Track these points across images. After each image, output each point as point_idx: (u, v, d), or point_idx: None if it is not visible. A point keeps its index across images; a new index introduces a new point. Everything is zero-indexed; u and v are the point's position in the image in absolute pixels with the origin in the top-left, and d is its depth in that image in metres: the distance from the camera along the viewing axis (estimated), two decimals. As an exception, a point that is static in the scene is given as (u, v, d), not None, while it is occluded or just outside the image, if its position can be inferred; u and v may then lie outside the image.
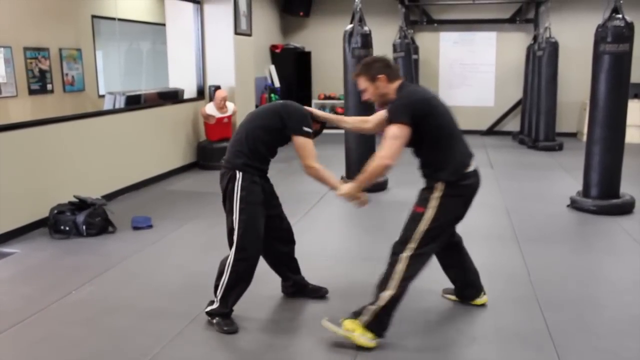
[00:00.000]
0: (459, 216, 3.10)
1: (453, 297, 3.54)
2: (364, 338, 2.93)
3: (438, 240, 3.02)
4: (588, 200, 5.57)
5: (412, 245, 2.94)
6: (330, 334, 3.15)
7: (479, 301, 3.47)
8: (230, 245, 3.14)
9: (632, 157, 7.54)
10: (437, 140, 2.97)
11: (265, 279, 3.53)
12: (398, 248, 2.98)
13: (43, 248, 4.61)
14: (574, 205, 5.67)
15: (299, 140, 3.11)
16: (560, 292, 3.70)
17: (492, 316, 3.40)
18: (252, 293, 3.31)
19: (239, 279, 3.13)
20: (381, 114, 3.22)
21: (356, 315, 2.98)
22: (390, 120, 2.91)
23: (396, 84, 3.02)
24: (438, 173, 2.98)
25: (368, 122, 3.45)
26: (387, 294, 2.91)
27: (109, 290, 3.78)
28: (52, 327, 3.27)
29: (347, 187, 3.14)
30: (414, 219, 2.99)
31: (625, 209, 5.49)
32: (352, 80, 3.16)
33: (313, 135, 3.20)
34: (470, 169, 3.02)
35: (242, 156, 3.10)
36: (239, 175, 3.08)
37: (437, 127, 2.96)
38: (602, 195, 5.54)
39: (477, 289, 3.47)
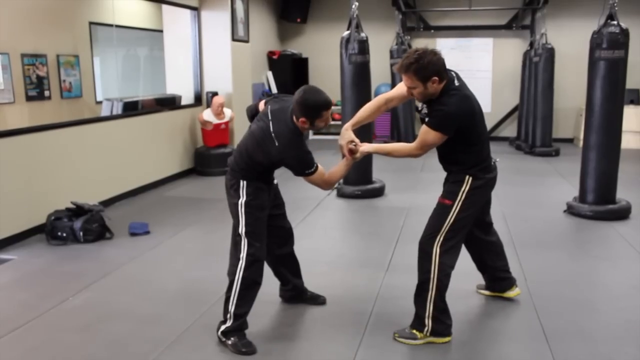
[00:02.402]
0: (481, 208, 3.25)
1: (487, 292, 3.69)
2: (438, 339, 3.09)
3: (464, 231, 3.12)
4: (584, 206, 5.59)
5: (441, 238, 3.02)
6: (328, 341, 3.16)
7: (511, 294, 3.62)
8: (236, 252, 3.07)
9: (628, 163, 7.57)
10: (472, 145, 3.05)
11: (263, 284, 3.53)
12: (427, 244, 3.06)
13: (40, 254, 4.61)
14: (571, 210, 5.69)
15: (308, 180, 3.06)
16: (556, 297, 3.71)
17: (488, 320, 3.41)
18: (249, 299, 3.30)
19: (253, 283, 3.06)
20: (402, 88, 3.13)
21: (416, 326, 3.11)
22: (433, 125, 2.91)
23: (444, 83, 2.93)
24: (467, 169, 3.05)
25: (392, 100, 3.26)
26: (432, 295, 3.03)
27: (106, 297, 3.78)
28: (49, 333, 3.27)
29: (358, 142, 3.15)
30: (442, 211, 3.07)
31: (622, 214, 5.51)
32: (396, 71, 3.04)
33: (307, 130, 3.04)
34: (494, 163, 3.18)
35: (243, 169, 3.07)
36: (243, 183, 3.05)
37: (476, 135, 3.04)
38: (598, 201, 5.55)
39: (509, 281, 3.62)
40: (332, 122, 11.96)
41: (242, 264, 3.04)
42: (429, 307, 3.05)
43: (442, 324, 3.09)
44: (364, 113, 3.27)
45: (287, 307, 3.57)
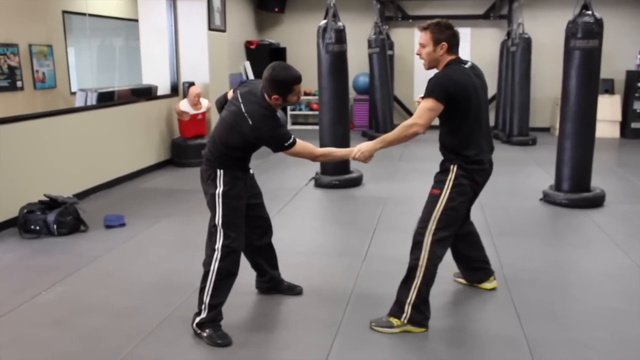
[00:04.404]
0: (470, 200, 3.22)
1: (463, 281, 3.73)
2: (415, 328, 3.10)
3: (456, 222, 3.12)
4: (560, 194, 5.65)
5: (432, 227, 3.04)
6: (305, 331, 3.15)
7: (487, 285, 3.64)
8: (212, 243, 3.04)
9: (602, 152, 7.67)
10: (460, 126, 3.04)
11: (239, 275, 3.50)
12: (419, 233, 3.08)
13: (12, 248, 4.53)
14: (547, 199, 5.74)
15: (289, 153, 3.02)
16: (531, 283, 3.74)
17: (464, 308, 3.42)
18: (225, 291, 3.28)
19: (228, 274, 3.04)
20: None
21: (395, 313, 3.11)
22: (426, 92, 2.98)
23: (451, 57, 3.07)
24: (453, 156, 3.07)
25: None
26: (417, 283, 3.04)
27: (80, 290, 3.73)
28: (21, 329, 3.21)
29: (365, 146, 3.19)
30: (432, 200, 3.09)
31: (596, 202, 5.58)
32: (420, 33, 3.12)
33: (280, 106, 3.02)
34: (487, 157, 3.17)
35: (219, 158, 3.04)
36: (219, 172, 3.02)
37: (464, 113, 3.02)
38: (573, 189, 5.61)
39: (485, 272, 3.65)
40: (310, 112, 11.94)
41: (217, 255, 3.01)
42: (412, 294, 3.05)
43: (421, 314, 3.09)
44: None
45: (263, 298, 3.55)
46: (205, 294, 3.02)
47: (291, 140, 2.98)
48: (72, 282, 3.86)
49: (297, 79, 2.97)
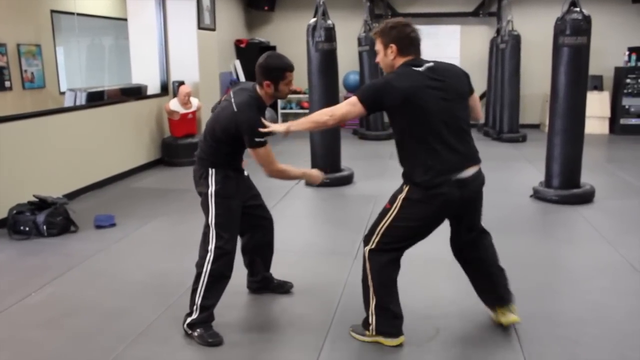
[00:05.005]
0: (428, 224, 2.83)
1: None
2: (386, 340, 2.92)
3: (403, 240, 2.85)
4: (550, 191, 5.68)
5: (375, 239, 2.86)
6: (296, 331, 3.15)
7: (504, 318, 3.07)
8: (205, 244, 3.03)
9: (592, 148, 7.72)
10: (409, 139, 2.74)
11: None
12: (365, 240, 2.94)
13: (1, 250, 4.49)
14: (537, 195, 5.77)
15: (254, 153, 2.97)
16: (522, 281, 3.74)
17: (455, 305, 3.43)
18: (216, 290, 3.27)
19: (221, 276, 3.02)
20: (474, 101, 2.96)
21: (364, 323, 2.97)
22: (357, 91, 2.78)
23: (404, 59, 2.76)
24: (407, 173, 2.79)
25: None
26: (371, 293, 2.89)
27: (70, 291, 3.71)
28: (11, 330, 3.19)
29: (316, 171, 3.30)
30: (381, 213, 2.88)
31: (586, 198, 5.61)
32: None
33: (272, 97, 3.04)
34: (449, 178, 2.69)
35: (210, 155, 3.06)
36: (211, 171, 3.03)
37: (410, 125, 2.69)
38: (563, 185, 5.65)
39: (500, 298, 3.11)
40: (301, 111, 11.96)
41: (210, 256, 3.00)
42: (372, 305, 2.90)
43: (387, 325, 2.91)
44: None
45: (254, 298, 3.55)
46: (197, 295, 3.01)
47: (263, 140, 2.93)
48: (62, 282, 3.83)
49: (290, 66, 3.01)
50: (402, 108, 2.66)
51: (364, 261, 2.91)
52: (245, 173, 3.27)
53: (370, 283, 2.89)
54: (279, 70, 2.98)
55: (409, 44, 2.76)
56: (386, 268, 2.88)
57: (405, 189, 2.78)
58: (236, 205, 3.10)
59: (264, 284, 3.57)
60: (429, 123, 2.67)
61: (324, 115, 2.79)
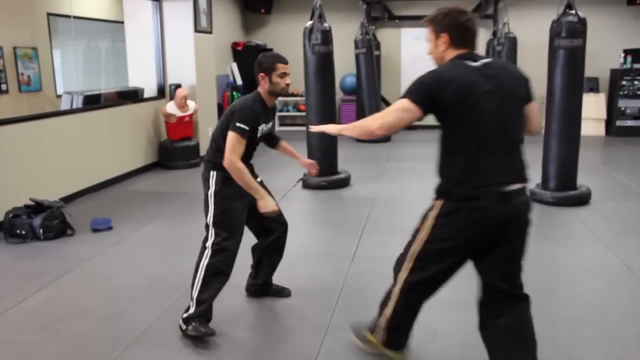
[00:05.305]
0: (466, 246, 2.35)
1: None
2: (389, 352, 2.73)
3: (436, 267, 2.42)
4: (546, 192, 5.69)
5: (407, 265, 2.48)
6: (293, 333, 3.15)
7: None
8: (204, 241, 3.11)
9: (588, 150, 7.73)
10: (451, 144, 2.35)
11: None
12: (397, 266, 2.56)
13: (-2, 253, 4.50)
14: (533, 197, 5.77)
15: (229, 135, 3.00)
16: (518, 283, 3.76)
17: (451, 307, 3.43)
18: (213, 293, 3.27)
19: (217, 272, 3.06)
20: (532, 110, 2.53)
21: (371, 330, 2.77)
22: (403, 93, 2.34)
23: (457, 52, 2.38)
24: (442, 183, 2.39)
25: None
26: (387, 312, 2.60)
27: (67, 295, 3.70)
28: (8, 334, 3.18)
29: (271, 200, 3.13)
30: (412, 235, 2.49)
31: (582, 200, 5.63)
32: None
33: (270, 93, 3.12)
34: (491, 190, 2.27)
35: (213, 157, 3.14)
36: (212, 173, 3.11)
37: (454, 127, 2.32)
38: (559, 187, 5.66)
39: None
40: (298, 114, 11.92)
41: (207, 252, 3.08)
42: (385, 318, 2.64)
43: (394, 338, 2.70)
44: None
45: (252, 301, 3.54)
46: (194, 289, 3.07)
47: (243, 127, 2.97)
48: (58, 286, 3.83)
49: (280, 58, 3.13)
50: (453, 107, 2.26)
51: (395, 285, 2.56)
52: (259, 179, 3.29)
53: (392, 303, 2.56)
54: (270, 61, 3.10)
55: (463, 34, 2.39)
56: (414, 302, 2.57)
57: (438, 204, 2.37)
58: (238, 206, 3.13)
59: (263, 287, 3.57)
60: (477, 128, 2.28)
61: (373, 124, 2.36)
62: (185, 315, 3.07)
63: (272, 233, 3.40)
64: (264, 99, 3.13)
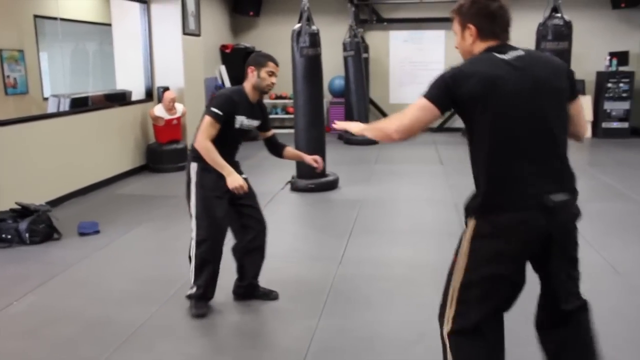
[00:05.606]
0: (512, 268, 2.05)
1: None
2: None
3: (486, 300, 2.08)
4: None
5: (450, 314, 2.11)
6: (280, 336, 3.15)
7: None
8: (191, 232, 3.29)
9: (574, 151, 7.74)
10: (480, 149, 2.04)
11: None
12: (440, 319, 2.18)
13: (-17, 258, 4.45)
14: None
15: (204, 119, 3.19)
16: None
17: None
18: (200, 297, 3.27)
19: (204, 262, 3.26)
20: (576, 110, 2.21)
21: None
22: (422, 93, 2.08)
23: (486, 44, 2.10)
24: (474, 200, 2.07)
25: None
26: None
27: (52, 300, 3.67)
28: (-8, 339, 3.16)
29: (235, 177, 3.19)
30: (449, 273, 2.16)
31: (569, 202, 5.65)
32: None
33: (255, 87, 3.28)
34: (531, 201, 1.97)
35: (193, 150, 3.26)
36: (192, 165, 3.25)
37: (483, 129, 2.00)
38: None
39: None
40: (286, 116, 11.93)
41: (192, 243, 3.28)
42: None
43: None
44: None
45: (239, 304, 3.53)
46: (192, 274, 3.32)
47: (217, 112, 3.14)
48: (44, 291, 3.80)
49: (273, 59, 3.30)
50: (477, 105, 1.98)
51: (444, 346, 2.15)
52: (244, 176, 3.37)
53: None
54: (262, 58, 3.29)
55: (492, 23, 2.10)
56: (475, 353, 2.15)
57: (472, 225, 2.05)
58: (215, 198, 3.23)
59: (249, 290, 3.56)
60: (509, 129, 1.98)
61: (391, 127, 2.10)
62: (188, 292, 3.34)
63: (250, 231, 3.42)
64: (247, 92, 3.28)
